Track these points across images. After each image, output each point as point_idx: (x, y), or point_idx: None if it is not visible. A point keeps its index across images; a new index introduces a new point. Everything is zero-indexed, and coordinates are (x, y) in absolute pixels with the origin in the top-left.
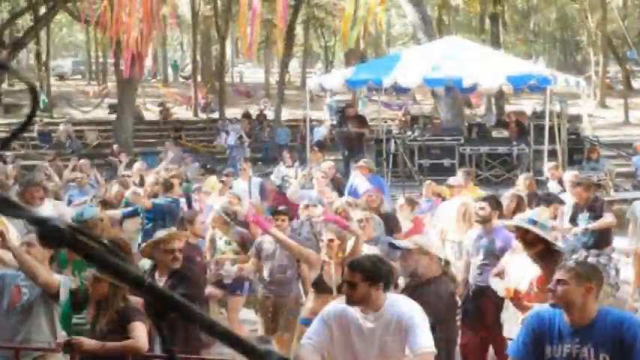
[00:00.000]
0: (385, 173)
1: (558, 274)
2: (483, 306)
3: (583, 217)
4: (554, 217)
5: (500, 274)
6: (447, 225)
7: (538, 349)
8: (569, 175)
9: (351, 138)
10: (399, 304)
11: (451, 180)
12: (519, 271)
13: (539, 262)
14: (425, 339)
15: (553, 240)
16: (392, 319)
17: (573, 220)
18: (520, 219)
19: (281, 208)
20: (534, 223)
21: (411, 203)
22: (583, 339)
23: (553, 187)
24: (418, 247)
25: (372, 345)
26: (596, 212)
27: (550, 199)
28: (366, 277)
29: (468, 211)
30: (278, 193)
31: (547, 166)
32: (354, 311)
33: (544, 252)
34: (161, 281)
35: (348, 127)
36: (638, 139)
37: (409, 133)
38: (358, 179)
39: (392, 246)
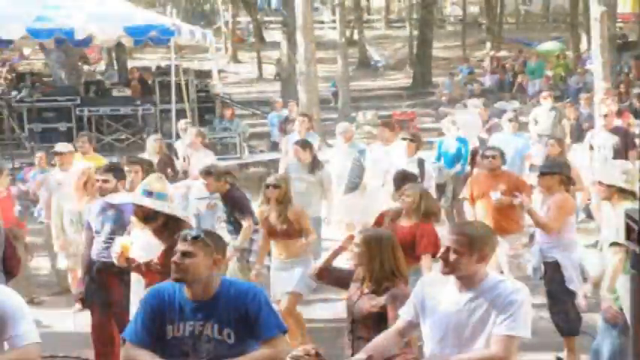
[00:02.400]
0: None
1: (183, 246)
2: (109, 283)
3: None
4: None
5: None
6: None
7: (158, 329)
8: (191, 132)
9: None
10: None
11: (59, 146)
12: (146, 247)
13: (161, 237)
14: (27, 329)
15: (173, 211)
16: None
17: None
18: (134, 194)
19: None
20: (150, 194)
21: None
22: (206, 314)
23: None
24: None
25: None
26: (233, 206)
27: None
28: None
29: (91, 179)
30: None
31: (180, 124)
32: None
33: (165, 224)
34: None
35: None
36: (273, 95)
37: (15, 93)
38: None
39: None
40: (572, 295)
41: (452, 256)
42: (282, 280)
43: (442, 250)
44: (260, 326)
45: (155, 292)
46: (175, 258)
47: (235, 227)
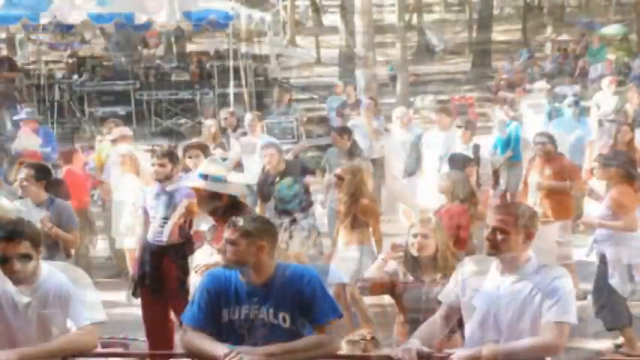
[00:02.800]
0: (50, 124)
1: (227, 233)
2: (166, 268)
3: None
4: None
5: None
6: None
7: (215, 312)
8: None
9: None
10: (57, 274)
11: (117, 131)
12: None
13: (223, 225)
14: (89, 308)
15: (234, 192)
16: (49, 291)
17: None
18: (190, 177)
19: None
20: (205, 177)
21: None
22: (261, 299)
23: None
24: None
25: (28, 321)
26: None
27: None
28: None
29: (134, 163)
30: None
31: (222, 113)
32: (9, 285)
33: (230, 207)
34: None
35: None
36: (331, 80)
37: (76, 77)
38: (25, 134)
39: None
40: (612, 290)
41: (499, 236)
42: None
43: (488, 231)
44: (315, 311)
45: (212, 276)
46: (221, 246)
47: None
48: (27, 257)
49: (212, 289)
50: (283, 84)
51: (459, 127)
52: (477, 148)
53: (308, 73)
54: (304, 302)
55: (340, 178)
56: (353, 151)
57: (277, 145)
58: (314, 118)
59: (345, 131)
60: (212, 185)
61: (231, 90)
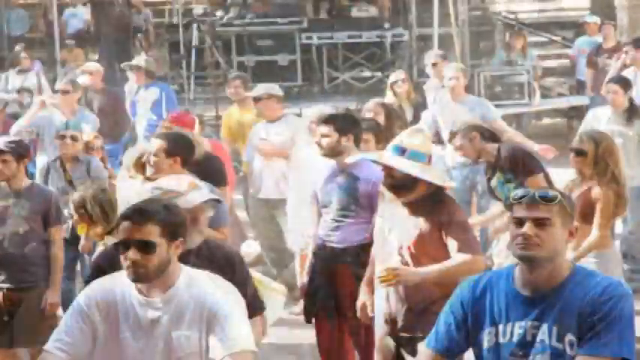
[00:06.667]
0: (186, 78)
1: (531, 211)
2: (340, 279)
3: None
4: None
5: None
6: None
7: (470, 332)
8: (451, 69)
9: (115, 25)
10: (200, 282)
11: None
12: (397, 228)
13: (417, 212)
14: (242, 333)
15: (438, 178)
16: (187, 305)
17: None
18: (380, 152)
19: None
20: (402, 151)
21: None
22: (543, 311)
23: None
24: None
25: (154, 343)
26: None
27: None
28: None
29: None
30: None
31: (429, 56)
32: (133, 292)
33: (428, 197)
34: None
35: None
36: (576, 16)
37: (220, 14)
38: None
39: None
40: None
41: None
42: None
43: None
44: (595, 337)
45: (471, 283)
46: (526, 229)
47: None
48: (149, 247)
49: (465, 300)
50: (510, 20)
51: None
52: None
53: (544, 5)
54: (589, 322)
55: (580, 152)
56: (634, 112)
57: None
58: (553, 68)
59: (626, 83)
60: (408, 165)
61: (434, 29)
